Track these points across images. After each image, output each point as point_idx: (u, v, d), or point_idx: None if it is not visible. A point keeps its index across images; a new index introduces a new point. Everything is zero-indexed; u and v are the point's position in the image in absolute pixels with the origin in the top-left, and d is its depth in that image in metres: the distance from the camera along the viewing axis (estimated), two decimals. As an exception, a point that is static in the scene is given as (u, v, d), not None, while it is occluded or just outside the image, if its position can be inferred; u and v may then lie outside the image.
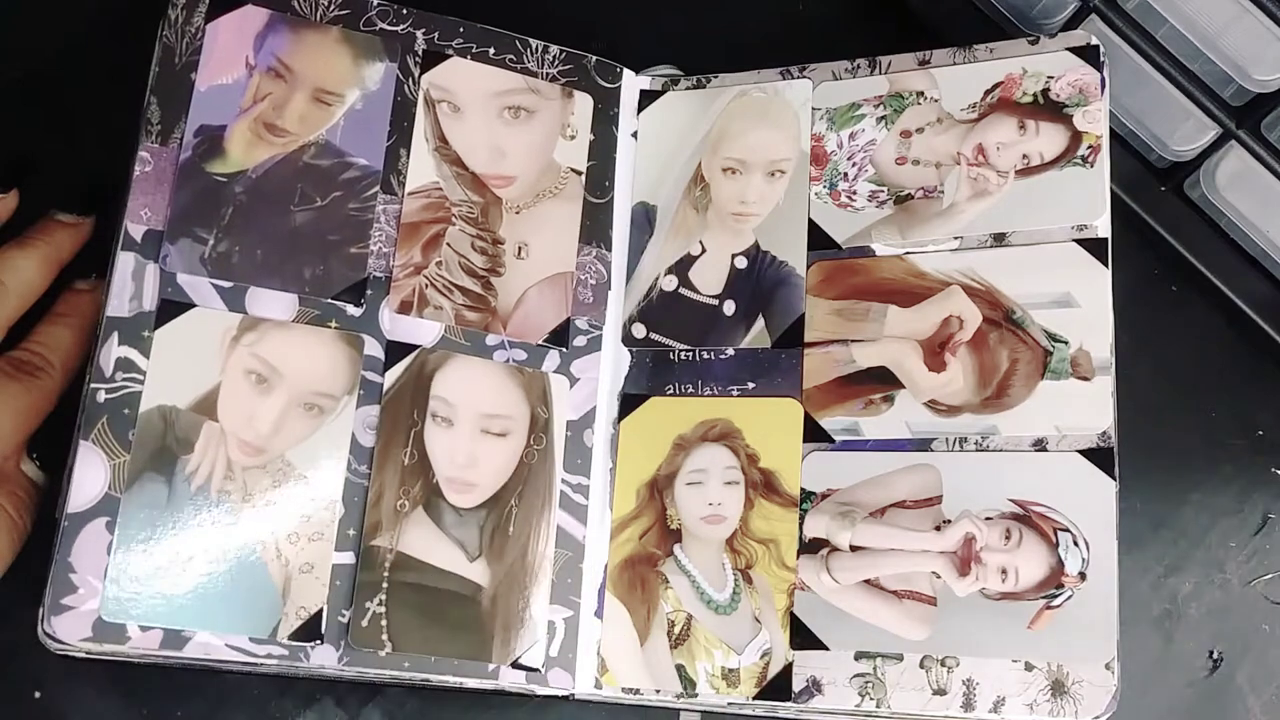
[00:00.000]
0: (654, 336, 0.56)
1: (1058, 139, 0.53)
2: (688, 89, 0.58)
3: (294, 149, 0.53)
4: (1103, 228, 0.52)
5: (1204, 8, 0.53)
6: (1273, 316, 0.58)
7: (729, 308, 0.55)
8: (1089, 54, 0.54)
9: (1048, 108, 0.54)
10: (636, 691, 0.52)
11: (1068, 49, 0.54)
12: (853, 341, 0.53)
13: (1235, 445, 0.58)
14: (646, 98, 0.58)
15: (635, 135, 0.58)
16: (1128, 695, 0.50)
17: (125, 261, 0.50)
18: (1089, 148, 0.53)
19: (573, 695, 0.52)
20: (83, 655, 0.48)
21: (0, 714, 0.52)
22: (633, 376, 0.55)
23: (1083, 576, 0.49)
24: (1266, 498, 0.58)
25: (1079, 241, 0.52)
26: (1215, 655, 0.56)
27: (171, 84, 0.52)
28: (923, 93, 0.55)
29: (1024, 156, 0.53)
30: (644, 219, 0.57)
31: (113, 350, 0.49)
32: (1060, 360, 0.51)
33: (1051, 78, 0.54)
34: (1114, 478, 0.50)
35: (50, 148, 0.56)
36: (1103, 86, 0.53)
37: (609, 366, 0.55)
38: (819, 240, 0.55)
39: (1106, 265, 0.52)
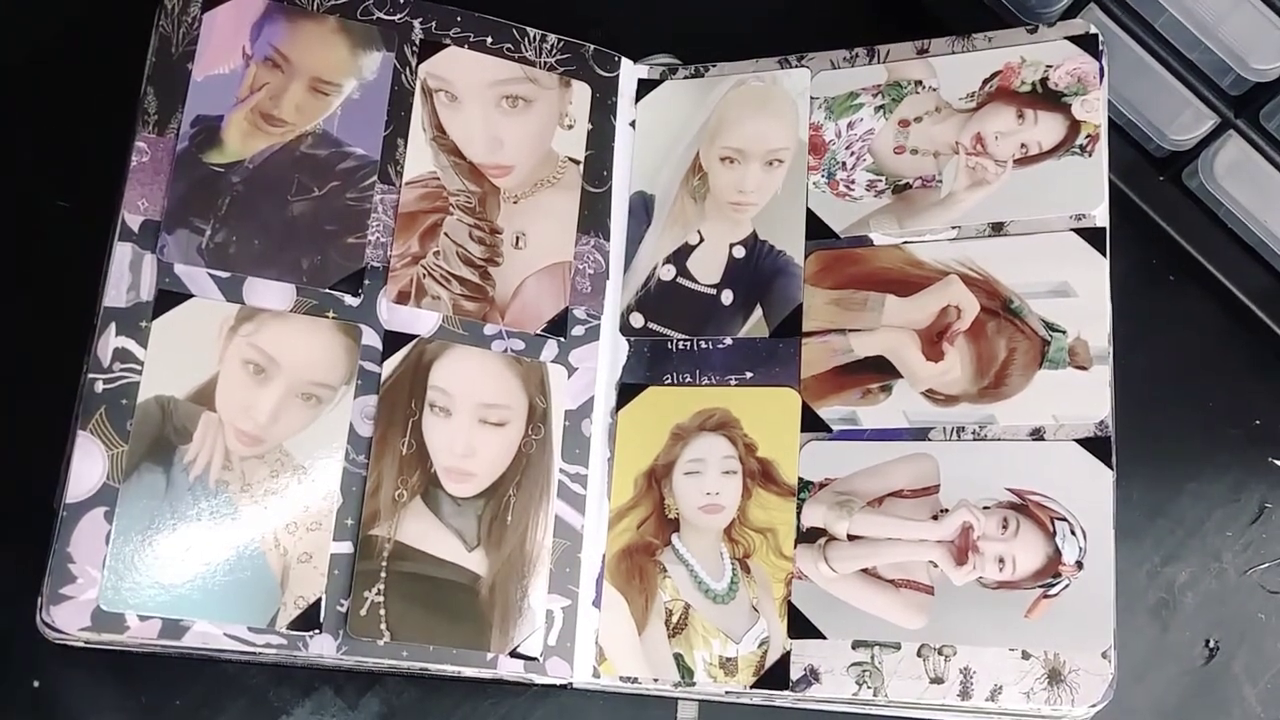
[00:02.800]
0: (652, 326, 0.56)
1: (1056, 128, 0.53)
2: (685, 78, 0.58)
3: (291, 139, 0.53)
4: (1101, 217, 0.52)
5: (1202, -3, 0.53)
6: (1270, 306, 0.58)
7: (727, 297, 0.55)
8: (1088, 43, 0.53)
9: (1046, 97, 0.53)
10: (634, 680, 0.52)
11: (1066, 38, 0.54)
12: (850, 331, 0.53)
13: (1232, 434, 0.58)
14: (644, 87, 0.58)
15: (633, 124, 0.58)
16: (1124, 683, 0.50)
17: (122, 252, 0.50)
18: (1087, 137, 0.53)
19: (571, 684, 0.52)
20: (81, 645, 0.48)
21: (0, 704, 0.52)
22: (630, 366, 0.55)
23: (1080, 566, 0.49)
24: (1263, 487, 0.58)
25: (1077, 231, 0.52)
26: (1211, 644, 0.56)
27: (168, 74, 0.52)
28: (921, 82, 0.55)
29: (1022, 145, 0.53)
30: (642, 208, 0.57)
31: (110, 341, 0.49)
32: (1058, 349, 0.51)
33: (1050, 67, 0.54)
34: (1111, 467, 0.50)
35: (47, 138, 0.56)
36: (1101, 76, 0.53)
37: (607, 356, 0.55)
38: (817, 230, 0.55)
39: (1104, 255, 0.52)
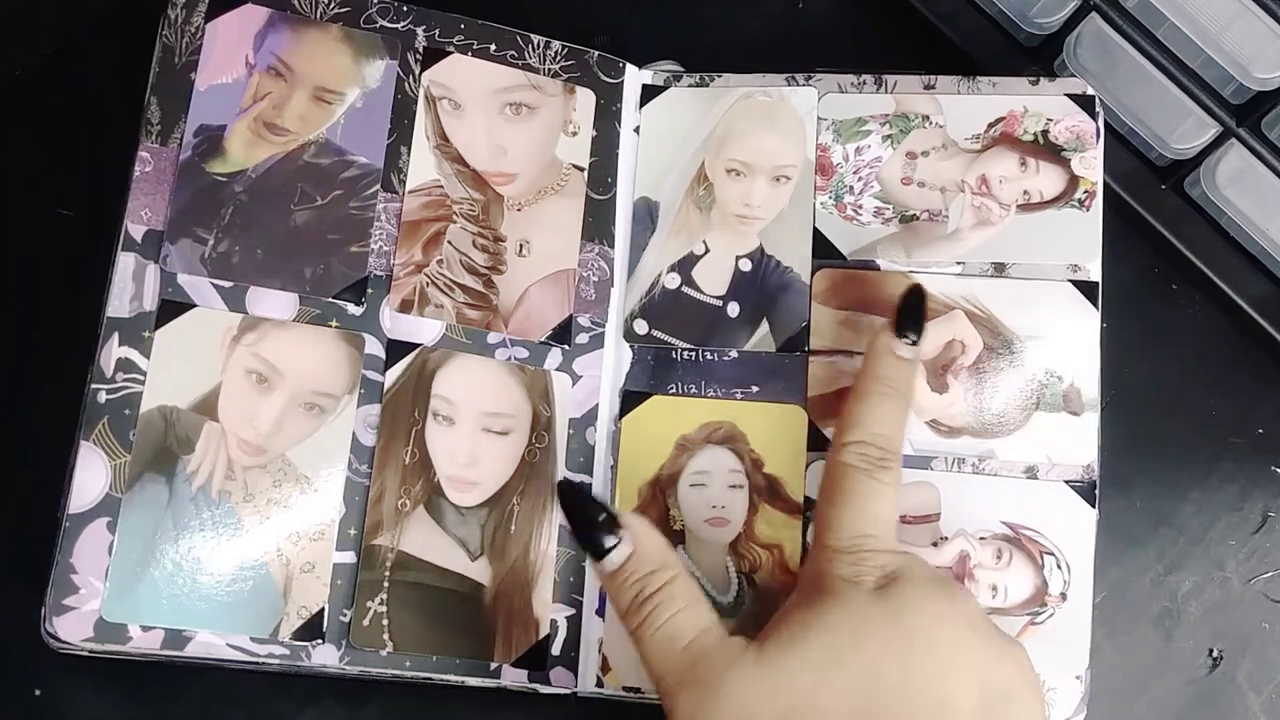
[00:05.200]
0: (656, 334, 0.56)
1: (1057, 180, 0.54)
2: (690, 86, 0.58)
3: (294, 148, 0.53)
4: (1094, 271, 0.53)
5: (1205, 6, 0.53)
6: (1273, 314, 0.58)
7: (733, 309, 0.55)
8: (1085, 102, 0.55)
9: (1047, 149, 0.55)
10: (639, 690, 0.52)
11: (1066, 95, 0.55)
12: (857, 353, 0.53)
13: (1235, 443, 0.58)
14: (648, 93, 0.58)
15: (637, 130, 0.58)
16: (1128, 693, 0.51)
17: (125, 262, 0.50)
18: (1085, 192, 0.54)
19: (575, 694, 0.52)
20: (84, 654, 0.48)
21: (1, 713, 0.52)
22: (634, 374, 0.55)
23: (1064, 597, 0.51)
24: (1266, 496, 0.58)
25: (1073, 282, 0.53)
26: (1215, 653, 0.56)
27: (171, 84, 0.52)
28: (928, 117, 0.56)
29: (1025, 192, 0.54)
30: (646, 214, 0.57)
31: (113, 351, 0.49)
32: (1053, 394, 0.52)
33: (1051, 120, 0.55)
34: (1094, 508, 0.52)
35: (50, 148, 0.56)
36: (1098, 135, 0.54)
37: (611, 363, 0.55)
38: (824, 249, 0.55)
39: (1096, 308, 0.53)
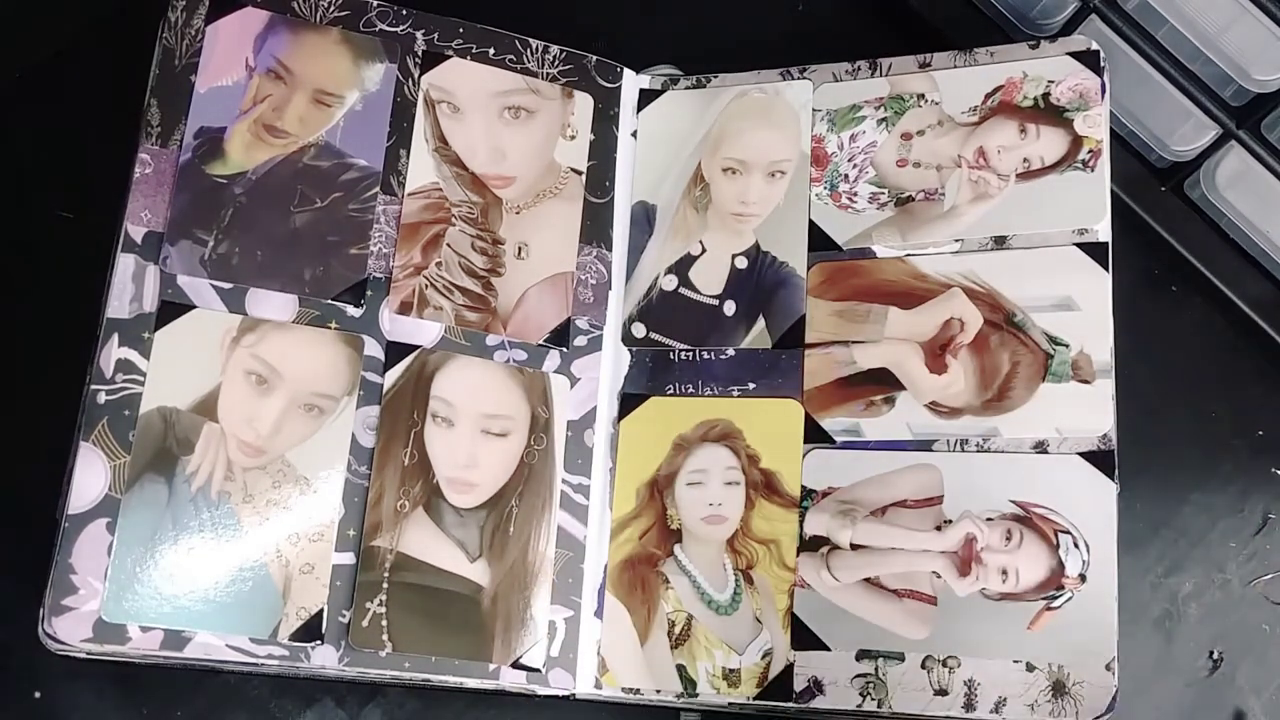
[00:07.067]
0: (654, 336, 0.56)
1: (1058, 143, 0.53)
2: (687, 89, 0.58)
3: (294, 150, 0.53)
4: (1103, 232, 0.52)
5: (1204, 8, 0.53)
6: (1272, 316, 0.58)
7: (729, 308, 0.55)
8: (1089, 59, 0.54)
9: (1048, 112, 0.54)
10: (637, 691, 0.52)
11: (1068, 54, 0.54)
12: (853, 343, 0.53)
13: (1235, 445, 0.58)
14: (646, 97, 0.58)
15: (635, 135, 0.58)
16: (1128, 695, 0.50)
17: (125, 263, 0.50)
18: (1089, 152, 0.53)
19: (573, 695, 0.52)
20: (83, 656, 0.48)
21: (0, 714, 0.52)
22: (632, 376, 0.55)
23: (1083, 579, 0.49)
24: (1267, 498, 0.58)
25: (1079, 245, 0.52)
26: (1215, 655, 0.56)
27: (171, 86, 0.52)
28: (923, 95, 0.55)
29: (1025, 160, 0.54)
30: (643, 218, 0.57)
31: (113, 352, 0.49)
32: (1061, 363, 0.51)
33: (1052, 82, 0.54)
34: (1114, 480, 0.50)
35: (50, 148, 0.56)
36: (1103, 91, 0.53)
37: (609, 366, 0.55)
38: (820, 241, 0.55)
39: (1107, 269, 0.52)
